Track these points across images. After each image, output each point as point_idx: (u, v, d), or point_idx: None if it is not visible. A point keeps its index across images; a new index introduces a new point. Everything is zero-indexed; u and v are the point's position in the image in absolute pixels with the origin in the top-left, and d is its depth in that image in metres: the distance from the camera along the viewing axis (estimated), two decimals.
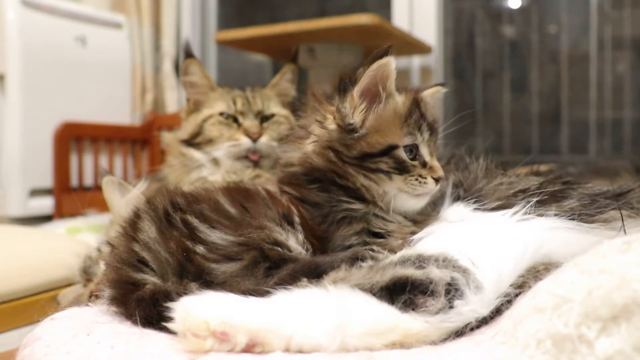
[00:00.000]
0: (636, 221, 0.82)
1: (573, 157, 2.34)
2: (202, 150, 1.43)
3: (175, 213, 0.80)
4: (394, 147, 0.87)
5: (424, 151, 0.89)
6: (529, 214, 0.83)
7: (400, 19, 2.42)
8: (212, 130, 1.42)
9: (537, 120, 2.42)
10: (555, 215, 0.83)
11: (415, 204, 0.88)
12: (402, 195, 0.87)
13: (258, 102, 1.46)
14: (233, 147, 1.39)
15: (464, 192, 0.92)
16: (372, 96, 0.89)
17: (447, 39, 2.51)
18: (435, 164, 0.89)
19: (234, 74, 3.08)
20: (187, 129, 1.47)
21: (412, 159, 0.87)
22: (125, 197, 1.10)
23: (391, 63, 0.89)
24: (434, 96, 0.99)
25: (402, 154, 0.87)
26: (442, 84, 1.01)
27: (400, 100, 0.91)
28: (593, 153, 2.31)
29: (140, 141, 2.65)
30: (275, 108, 1.48)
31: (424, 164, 0.88)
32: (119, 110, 2.61)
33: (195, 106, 1.49)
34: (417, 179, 0.86)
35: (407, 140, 0.88)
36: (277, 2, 3.02)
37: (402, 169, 0.87)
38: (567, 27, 2.36)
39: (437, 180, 0.87)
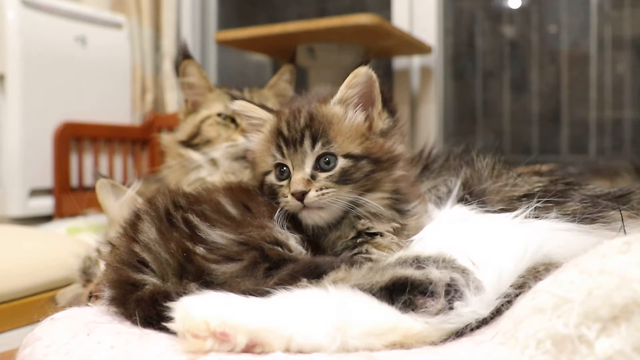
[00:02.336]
0: (636, 222, 0.82)
1: (573, 157, 2.33)
2: (200, 151, 1.43)
3: (176, 212, 0.80)
4: (266, 173, 0.88)
5: (289, 166, 0.85)
6: (531, 216, 0.83)
7: (400, 19, 2.42)
8: (210, 131, 1.42)
9: (537, 120, 2.41)
10: (556, 217, 0.83)
11: (307, 217, 0.84)
12: (294, 212, 0.84)
13: None
14: (231, 147, 1.39)
15: (468, 193, 0.91)
16: (250, 125, 0.94)
17: (447, 39, 2.51)
18: (293, 178, 0.83)
19: (234, 74, 3.08)
20: (185, 130, 1.47)
21: (284, 178, 0.85)
22: (119, 199, 1.10)
23: (237, 104, 0.95)
24: (351, 84, 0.87)
25: (271, 178, 0.87)
26: (365, 62, 0.86)
27: (270, 124, 0.90)
28: (593, 153, 2.31)
29: (140, 141, 2.65)
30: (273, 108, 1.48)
31: (290, 180, 0.84)
32: (119, 110, 2.61)
33: (193, 107, 1.49)
34: (282, 199, 0.84)
35: (271, 162, 0.87)
36: (277, 2, 3.02)
37: (272, 192, 0.87)
38: (567, 27, 2.36)
39: (293, 195, 0.81)
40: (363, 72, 0.86)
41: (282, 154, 0.85)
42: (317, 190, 0.81)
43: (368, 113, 0.88)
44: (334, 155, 0.84)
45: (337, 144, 0.84)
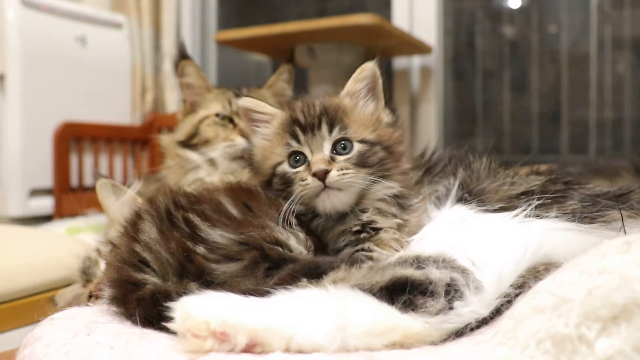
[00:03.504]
0: (636, 221, 0.82)
1: (573, 157, 2.33)
2: (199, 151, 1.42)
3: (177, 211, 0.80)
4: (277, 164, 0.90)
5: (307, 151, 0.87)
6: (530, 215, 0.83)
7: (400, 19, 2.42)
8: (208, 131, 1.42)
9: (537, 120, 2.42)
10: (556, 216, 0.83)
11: (327, 199, 0.84)
12: (310, 198, 0.85)
13: None
14: (229, 147, 1.39)
15: (467, 192, 0.91)
16: (256, 122, 0.95)
17: (447, 39, 2.51)
18: (314, 159, 0.85)
19: (234, 74, 3.08)
20: (183, 130, 1.47)
21: (299, 165, 0.87)
22: (120, 199, 1.10)
23: (245, 101, 0.96)
24: (358, 78, 0.92)
25: (284, 167, 0.88)
26: (371, 58, 0.92)
27: (279, 117, 0.92)
28: (593, 153, 2.31)
29: (140, 141, 2.65)
30: None
31: (308, 164, 0.86)
32: (119, 110, 2.61)
33: (191, 107, 1.49)
34: (299, 185, 0.85)
35: (284, 152, 0.88)
36: (277, 2, 3.02)
37: (286, 181, 0.88)
38: (567, 27, 2.36)
39: (315, 175, 0.83)
40: (370, 67, 0.91)
41: (299, 141, 0.87)
42: (338, 170, 0.83)
43: (376, 105, 0.93)
44: (350, 141, 0.87)
45: (353, 130, 0.88)
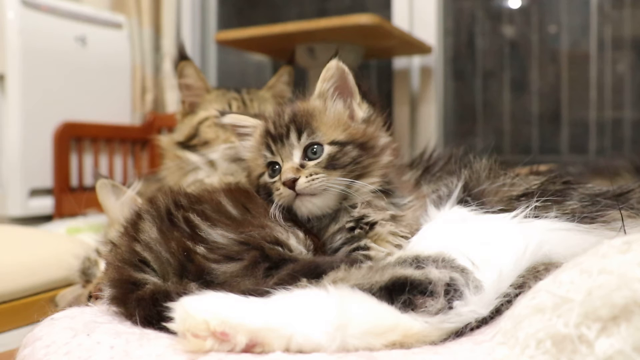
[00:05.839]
0: (636, 221, 0.82)
1: (573, 157, 2.33)
2: (198, 152, 1.42)
3: (177, 211, 0.80)
4: (260, 175, 0.91)
5: (279, 160, 0.88)
6: (530, 215, 0.83)
7: (400, 19, 2.42)
8: (208, 133, 1.42)
9: (537, 120, 2.41)
10: (556, 216, 0.83)
11: (302, 205, 0.85)
12: (289, 205, 0.86)
13: (254, 105, 1.46)
14: (229, 149, 1.38)
15: (467, 195, 0.91)
16: (242, 136, 0.98)
17: (447, 39, 2.51)
18: (284, 168, 0.86)
19: (234, 74, 3.08)
20: (182, 131, 1.46)
21: (276, 175, 0.88)
22: (119, 199, 1.10)
23: (228, 118, 0.99)
24: (325, 77, 0.93)
25: (265, 178, 0.90)
26: (334, 55, 0.92)
27: (259, 129, 0.93)
28: (593, 153, 2.31)
29: (140, 141, 2.65)
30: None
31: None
32: (119, 110, 2.61)
33: (190, 108, 1.49)
34: (276, 194, 0.86)
35: (263, 163, 0.90)
36: (277, 2, 3.02)
37: (267, 191, 0.89)
38: (567, 27, 2.36)
39: (284, 184, 0.84)
40: (333, 65, 0.91)
41: (272, 152, 0.89)
42: (306, 177, 0.84)
43: (348, 103, 0.92)
44: (320, 145, 0.87)
45: (322, 133, 0.88)
